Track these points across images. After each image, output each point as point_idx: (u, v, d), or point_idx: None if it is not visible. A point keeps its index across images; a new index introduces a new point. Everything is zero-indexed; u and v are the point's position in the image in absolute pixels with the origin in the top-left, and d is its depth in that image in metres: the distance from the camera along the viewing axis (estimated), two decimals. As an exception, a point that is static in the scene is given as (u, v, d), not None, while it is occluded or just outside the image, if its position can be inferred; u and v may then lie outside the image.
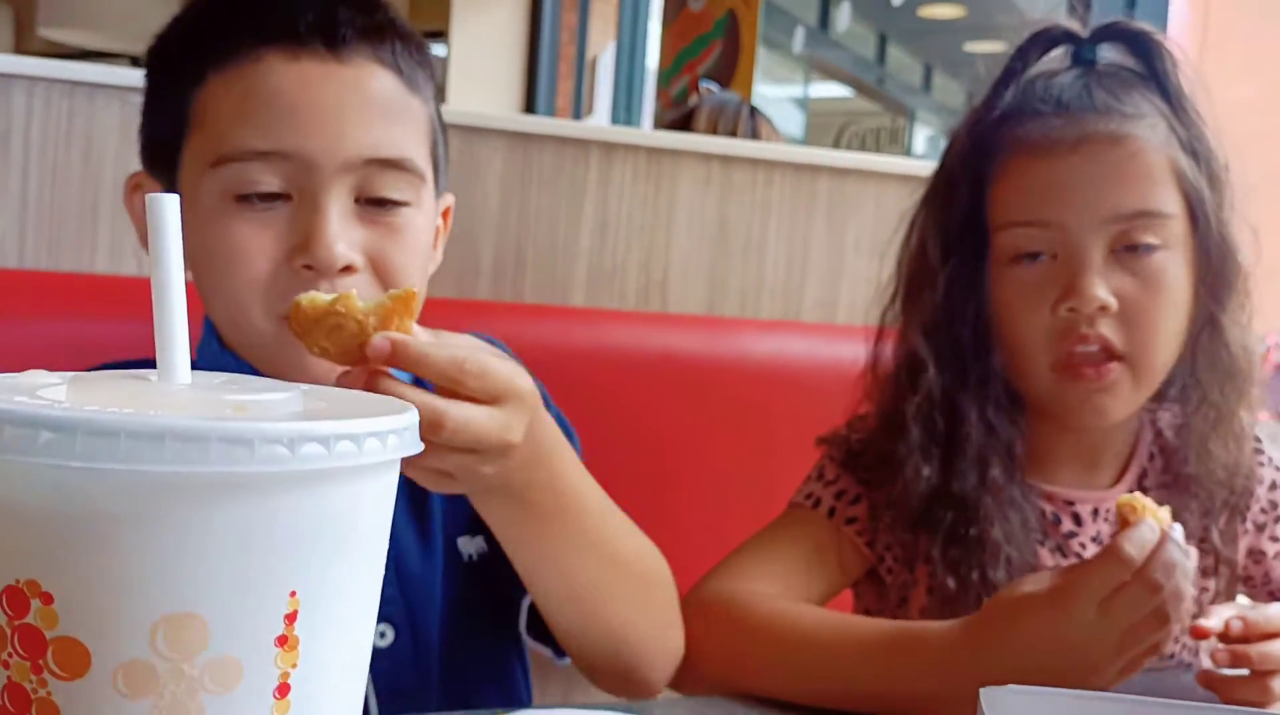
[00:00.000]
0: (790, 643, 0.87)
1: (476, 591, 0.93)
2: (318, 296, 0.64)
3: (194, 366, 0.91)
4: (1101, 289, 0.91)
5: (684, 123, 2.10)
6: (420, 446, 0.38)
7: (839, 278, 1.68)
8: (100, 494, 0.30)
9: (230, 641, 0.32)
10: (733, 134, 2.10)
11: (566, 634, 0.86)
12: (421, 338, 0.66)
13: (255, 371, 0.84)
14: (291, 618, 0.33)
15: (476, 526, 0.91)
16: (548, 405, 0.95)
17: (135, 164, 1.22)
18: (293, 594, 0.33)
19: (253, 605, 0.32)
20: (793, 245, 1.65)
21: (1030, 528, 0.99)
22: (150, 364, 0.91)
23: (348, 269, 0.78)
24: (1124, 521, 0.79)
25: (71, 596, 0.31)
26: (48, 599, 0.31)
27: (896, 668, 0.81)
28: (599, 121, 2.27)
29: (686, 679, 0.95)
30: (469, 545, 0.93)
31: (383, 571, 0.38)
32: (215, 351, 0.87)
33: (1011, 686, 0.65)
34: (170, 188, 0.83)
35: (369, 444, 0.34)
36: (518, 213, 1.54)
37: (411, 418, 0.37)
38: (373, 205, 0.80)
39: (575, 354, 1.49)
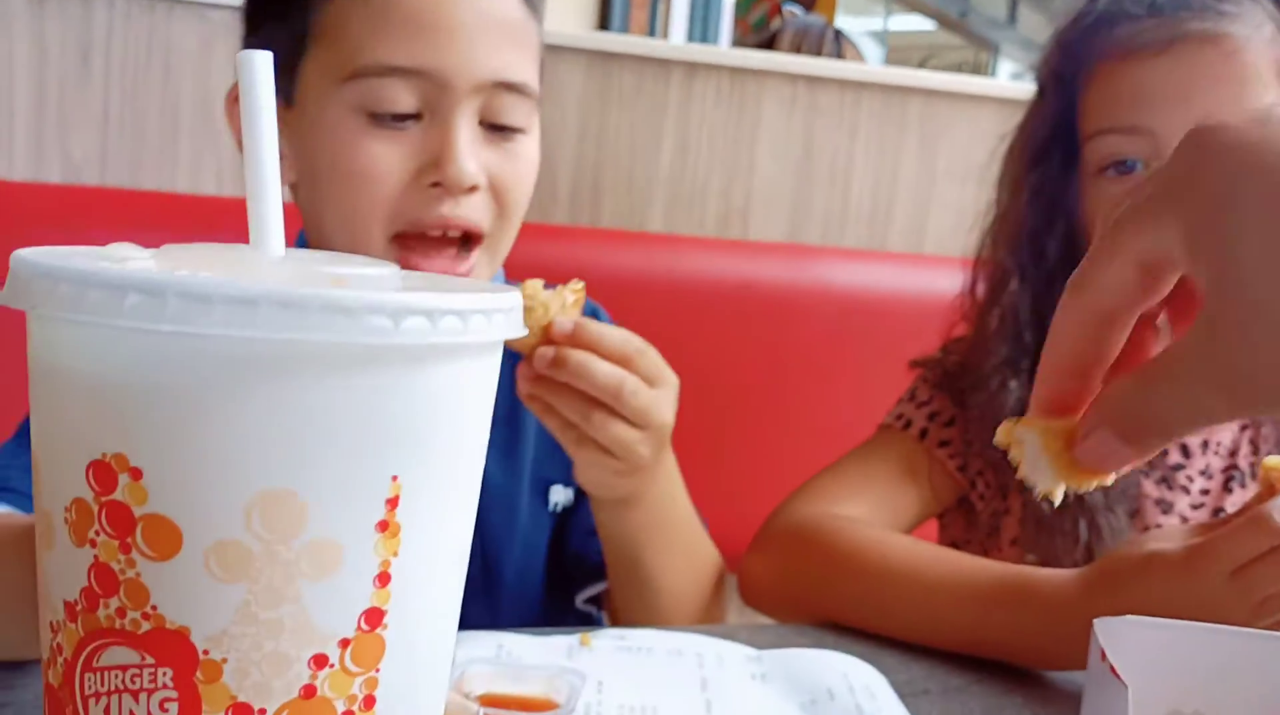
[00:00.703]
0: (882, 575, 0.83)
1: (553, 540, 0.94)
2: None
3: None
4: None
5: (766, 48, 2.03)
6: (524, 330, 0.35)
7: (927, 205, 1.62)
8: (191, 362, 0.28)
9: (329, 524, 0.30)
10: (816, 56, 2.03)
11: (628, 617, 0.89)
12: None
13: None
14: (393, 502, 0.31)
15: (569, 477, 0.92)
16: None
17: (214, 81, 1.21)
18: (394, 478, 0.31)
19: (353, 486, 0.30)
20: (880, 171, 1.59)
21: None
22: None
23: (473, 188, 0.78)
24: (1269, 486, 0.73)
25: (161, 471, 0.29)
26: (136, 474, 0.29)
27: (1002, 616, 0.77)
28: (675, 39, 2.21)
29: (769, 603, 0.92)
30: (560, 495, 0.92)
31: (483, 462, 0.36)
32: None
33: (1128, 617, 0.62)
34: (285, 92, 0.81)
35: (475, 321, 0.31)
36: (596, 135, 1.50)
37: (515, 299, 0.34)
38: (494, 129, 0.80)
39: (652, 281, 1.46)
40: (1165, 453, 0.97)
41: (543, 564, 0.93)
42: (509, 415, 0.90)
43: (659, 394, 0.75)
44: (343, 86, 0.77)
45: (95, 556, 0.30)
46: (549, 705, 0.61)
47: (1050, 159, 0.97)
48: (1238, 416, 0.38)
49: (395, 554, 0.31)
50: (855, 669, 0.74)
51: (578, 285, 0.71)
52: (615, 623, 0.92)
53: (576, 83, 1.48)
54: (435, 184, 0.77)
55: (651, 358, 0.74)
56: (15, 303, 0.30)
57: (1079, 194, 0.94)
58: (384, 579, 0.31)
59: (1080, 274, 0.42)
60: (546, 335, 0.70)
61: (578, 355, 0.70)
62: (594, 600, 0.95)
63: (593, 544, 0.91)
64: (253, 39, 0.85)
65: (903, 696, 0.72)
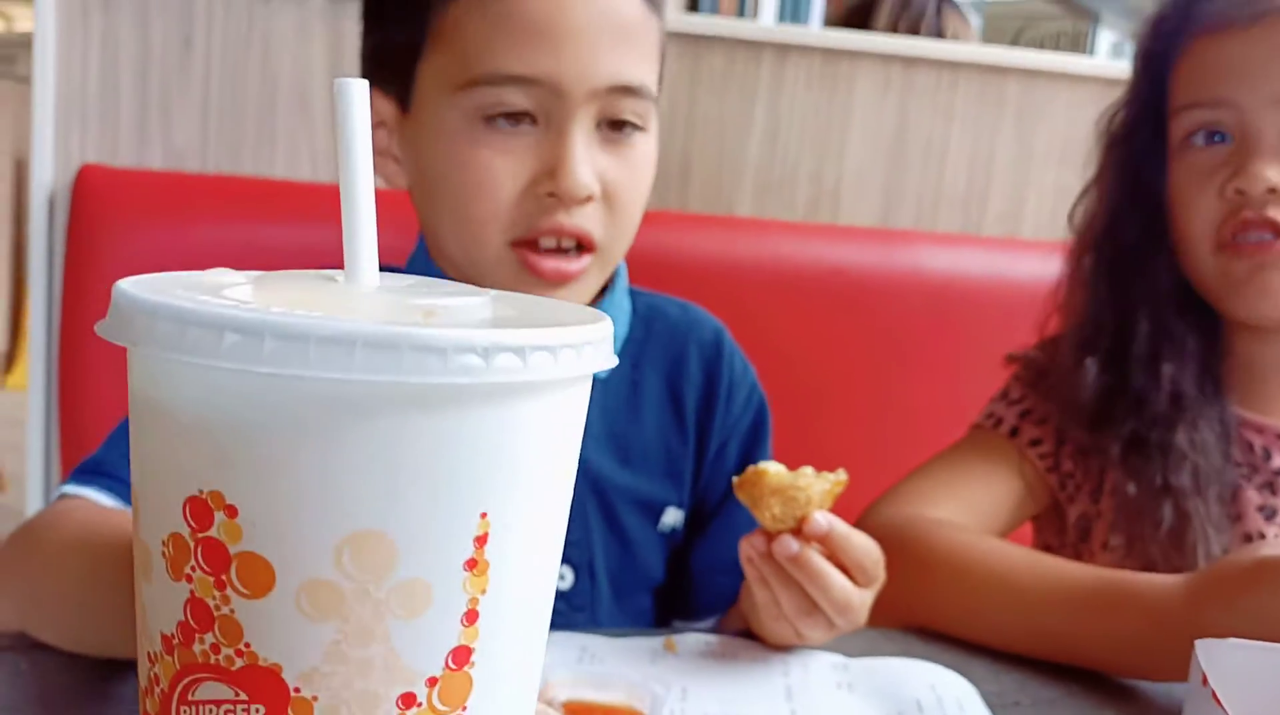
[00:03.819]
0: (975, 580, 0.81)
1: (661, 561, 0.93)
2: (782, 469, 0.69)
3: (400, 273, 0.91)
4: (1273, 170, 0.86)
5: (862, 16, 1.98)
6: (614, 362, 0.35)
7: (1024, 188, 1.57)
8: (286, 402, 0.28)
9: (419, 563, 0.30)
10: (915, 29, 1.97)
11: None
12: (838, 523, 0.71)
13: None
14: (482, 540, 0.31)
15: (683, 500, 0.92)
16: (752, 389, 0.96)
17: (311, 67, 1.22)
18: (483, 515, 0.31)
19: (443, 525, 0.30)
20: (976, 153, 1.55)
21: (1227, 447, 0.92)
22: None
23: (587, 198, 0.78)
24: None
25: (255, 510, 0.29)
26: (232, 512, 0.29)
27: (1102, 623, 0.75)
28: (765, 19, 2.17)
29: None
30: (672, 516, 0.92)
31: (571, 494, 0.35)
32: (425, 267, 0.87)
33: (1232, 640, 0.59)
34: (403, 101, 0.81)
35: (564, 356, 0.31)
36: (685, 118, 1.49)
37: (606, 329, 0.34)
38: (611, 129, 0.79)
39: (741, 267, 1.44)
40: (1269, 457, 0.93)
41: (653, 584, 0.93)
42: (629, 432, 0.89)
43: (871, 595, 0.74)
44: (459, 94, 0.77)
45: (191, 592, 0.30)
46: (632, 714, 0.61)
47: (1137, 137, 0.96)
48: None
49: (484, 591, 0.31)
50: (944, 680, 0.72)
51: (842, 477, 0.70)
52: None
53: (666, 66, 1.46)
54: (550, 194, 0.77)
55: (879, 566, 0.74)
56: (116, 338, 0.30)
57: (1165, 173, 0.94)
58: (472, 616, 0.31)
59: None
60: (799, 523, 0.69)
61: (818, 563, 0.69)
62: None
63: (712, 579, 0.91)
64: (371, 39, 0.85)
65: (992, 709, 0.70)
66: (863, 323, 1.46)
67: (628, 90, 0.78)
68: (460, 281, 0.82)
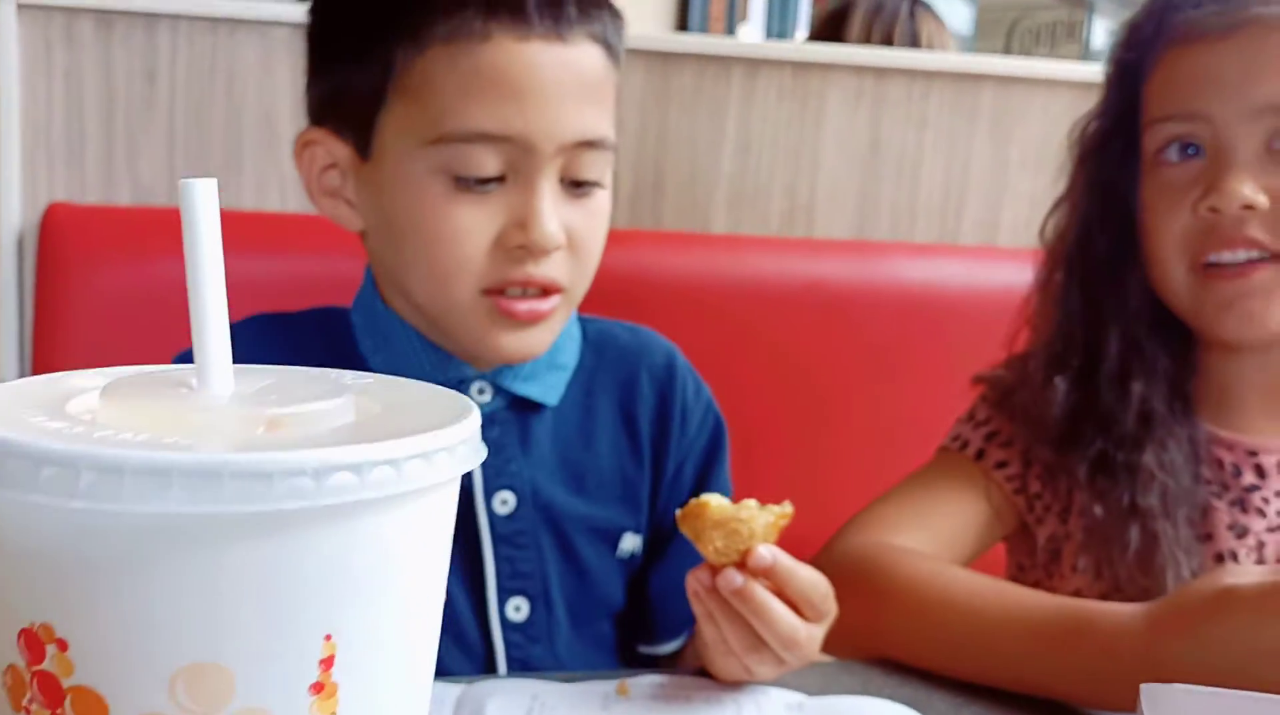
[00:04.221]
0: (938, 611, 0.80)
1: (621, 587, 0.93)
2: (725, 501, 0.69)
3: (349, 312, 0.90)
4: (1248, 186, 0.84)
5: (835, 24, 1.96)
6: (481, 457, 0.34)
7: (1001, 196, 1.56)
8: (107, 536, 0.28)
9: (259, 692, 0.29)
10: (889, 34, 1.95)
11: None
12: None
13: (416, 333, 0.85)
14: (328, 663, 0.30)
15: (640, 525, 0.92)
16: (707, 409, 0.96)
17: (276, 98, 1.22)
18: (328, 637, 0.30)
19: (282, 652, 0.29)
20: (951, 162, 1.54)
21: (1197, 467, 0.90)
22: (279, 317, 0.90)
23: (556, 249, 0.80)
24: None
25: (86, 643, 0.28)
26: (63, 645, 0.28)
27: (1064, 653, 0.74)
28: (753, 29, 2.16)
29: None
30: (630, 542, 0.92)
31: (443, 596, 0.34)
32: (371, 303, 0.88)
33: (1178, 686, 0.58)
34: (360, 146, 0.81)
35: (411, 468, 0.30)
36: (656, 136, 1.48)
37: (470, 427, 0.33)
38: (573, 186, 0.81)
39: (716, 283, 1.43)
40: (1239, 473, 0.92)
41: (612, 610, 0.93)
42: (584, 460, 0.90)
43: (821, 630, 0.73)
44: (428, 149, 0.78)
45: (31, 723, 0.29)
46: (573, 770, 0.61)
47: (1109, 150, 0.94)
48: None
49: (334, 714, 0.30)
50: (900, 719, 0.72)
51: (787, 509, 0.69)
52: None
53: (636, 84, 1.45)
54: (520, 246, 0.79)
55: (829, 600, 0.73)
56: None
57: (1137, 188, 0.92)
58: (323, 738, 0.30)
59: None
60: (742, 557, 0.68)
61: (762, 597, 0.68)
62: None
63: (672, 603, 0.91)
64: (326, 80, 0.85)
65: (950, 747, 0.70)
66: (842, 336, 1.45)
67: (592, 144, 0.80)
68: (412, 323, 0.83)
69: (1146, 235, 0.91)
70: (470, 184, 0.78)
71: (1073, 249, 0.96)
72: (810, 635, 0.71)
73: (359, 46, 0.81)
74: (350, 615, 0.30)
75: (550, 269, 0.80)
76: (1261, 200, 0.84)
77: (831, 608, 0.73)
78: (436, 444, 0.31)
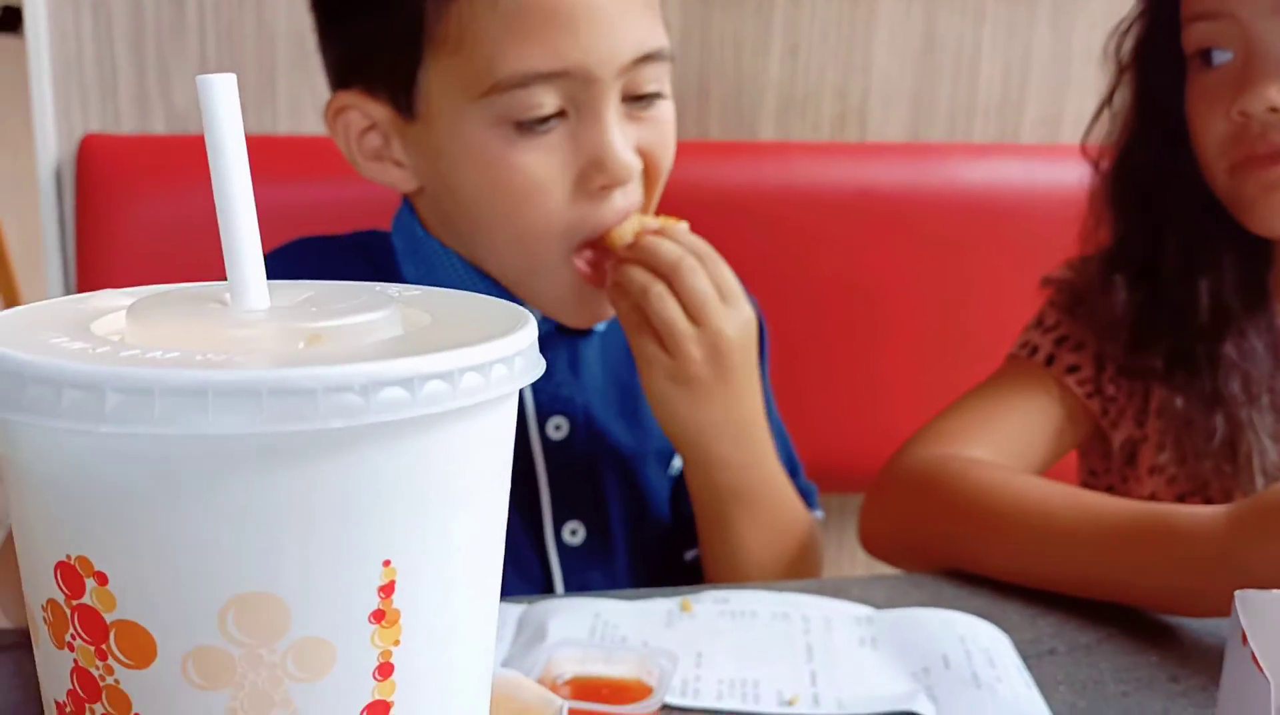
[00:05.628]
0: (1008, 519, 0.78)
1: (671, 500, 0.92)
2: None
3: (390, 236, 0.88)
4: (1274, 88, 0.80)
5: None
6: (539, 371, 0.31)
7: (1064, 90, 1.49)
8: (139, 462, 0.25)
9: (315, 622, 0.27)
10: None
11: (715, 578, 0.88)
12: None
13: (459, 258, 0.83)
14: (388, 590, 0.28)
15: None
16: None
17: (308, 17, 1.18)
18: (386, 563, 0.28)
19: (339, 580, 0.27)
20: (1010, 56, 1.46)
21: (1278, 357, 0.87)
22: (312, 242, 0.88)
23: (636, 175, 0.78)
24: None
25: (126, 576, 0.26)
26: (102, 578, 0.26)
27: (1142, 557, 0.71)
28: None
29: (889, 551, 0.88)
30: (680, 459, 0.90)
31: (505, 518, 0.32)
32: (410, 228, 0.84)
33: (1275, 592, 0.55)
34: (402, 105, 0.77)
35: (466, 381, 0.27)
36: (700, 41, 1.42)
37: (527, 338, 0.30)
38: (636, 101, 0.77)
39: (766, 193, 1.39)
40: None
41: (664, 528, 0.92)
42: (633, 383, 0.88)
43: (723, 308, 0.77)
44: (481, 102, 0.73)
45: (75, 661, 0.28)
46: (640, 689, 0.59)
47: (1152, 51, 0.91)
48: None
49: (396, 643, 0.28)
50: (974, 631, 0.69)
51: (662, 224, 0.79)
52: (707, 581, 0.90)
53: (677, -13, 1.40)
54: (602, 187, 0.76)
55: (723, 271, 0.78)
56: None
57: (1182, 88, 0.88)
58: (386, 670, 0.28)
59: None
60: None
61: (649, 237, 0.76)
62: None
63: None
64: (341, 37, 0.80)
65: (1027, 657, 0.67)
66: (899, 244, 1.40)
67: (650, 57, 0.76)
68: (510, 281, 0.82)
69: (1194, 138, 0.88)
70: (533, 126, 0.74)
71: (1123, 155, 0.94)
72: (721, 316, 0.77)
73: (384, 2, 0.76)
74: (409, 540, 0.28)
75: (633, 193, 0.79)
76: None
77: (737, 298, 0.78)
78: (492, 355, 0.28)
